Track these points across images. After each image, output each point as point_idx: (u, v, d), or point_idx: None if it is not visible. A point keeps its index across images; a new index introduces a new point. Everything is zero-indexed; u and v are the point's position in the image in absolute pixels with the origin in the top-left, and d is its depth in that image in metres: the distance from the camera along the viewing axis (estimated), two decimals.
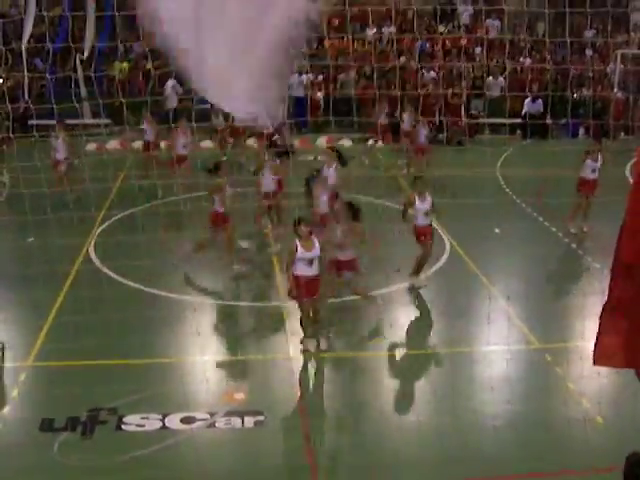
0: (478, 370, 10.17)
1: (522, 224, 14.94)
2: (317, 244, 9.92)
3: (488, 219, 14.92)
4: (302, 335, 10.32)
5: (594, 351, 6.24)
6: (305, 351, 10.22)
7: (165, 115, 21.60)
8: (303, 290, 9.94)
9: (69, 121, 20.13)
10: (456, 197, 16.46)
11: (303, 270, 9.90)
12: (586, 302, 12.11)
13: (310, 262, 9.88)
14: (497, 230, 14.67)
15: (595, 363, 6.34)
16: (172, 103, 22.93)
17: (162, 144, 19.01)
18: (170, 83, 23.00)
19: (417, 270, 12.35)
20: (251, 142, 20.36)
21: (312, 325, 10.28)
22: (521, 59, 25.49)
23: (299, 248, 9.85)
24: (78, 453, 8.14)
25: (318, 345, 10.30)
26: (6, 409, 9.08)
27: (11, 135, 16.07)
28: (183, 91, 22.81)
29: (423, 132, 18.97)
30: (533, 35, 25.93)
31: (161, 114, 21.13)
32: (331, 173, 13.96)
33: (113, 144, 20.68)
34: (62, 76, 22.84)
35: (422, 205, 12.14)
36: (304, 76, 24.36)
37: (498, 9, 25.43)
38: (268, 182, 14.02)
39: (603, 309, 6.14)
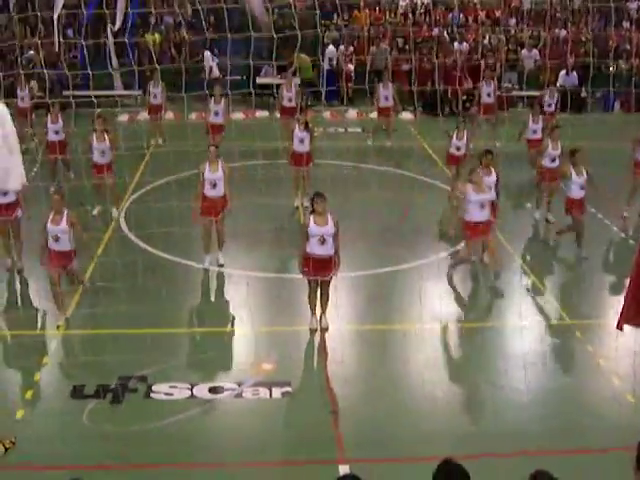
0: (508, 345, 10.11)
1: (554, 198, 14.67)
2: (331, 221, 9.71)
3: (520, 193, 14.75)
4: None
5: (620, 315, 6.30)
6: (311, 329, 10.14)
7: (200, 85, 21.54)
8: (312, 269, 9.77)
9: (101, 92, 20.25)
10: None
11: (315, 248, 9.70)
12: (619, 279, 12.02)
13: (322, 240, 9.69)
14: (529, 204, 14.48)
15: (618, 325, 6.40)
16: (208, 62, 23.03)
17: (193, 115, 19.02)
18: (207, 54, 23.00)
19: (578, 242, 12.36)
20: None
21: (322, 305, 10.13)
22: (556, 30, 25.02)
23: (311, 223, 9.67)
24: (107, 420, 8.24)
25: (322, 323, 10.15)
26: (38, 376, 9.20)
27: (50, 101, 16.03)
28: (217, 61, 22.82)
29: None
30: (570, 6, 25.44)
31: (197, 84, 21.09)
32: None
33: (144, 115, 20.63)
34: (93, 47, 22.86)
35: (578, 178, 12.02)
36: (339, 48, 24.18)
37: None
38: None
39: (631, 276, 6.19)
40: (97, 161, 14.03)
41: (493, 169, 11.90)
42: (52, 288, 10.28)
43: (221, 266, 11.97)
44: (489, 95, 19.14)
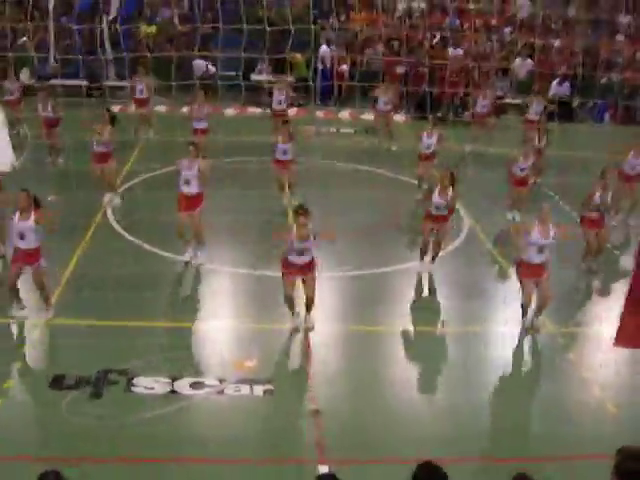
0: (491, 351, 10.11)
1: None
2: (311, 235, 9.69)
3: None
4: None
5: (617, 333, 6.30)
6: (292, 329, 10.09)
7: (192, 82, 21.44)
8: (291, 272, 9.79)
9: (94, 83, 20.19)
10: (479, 174, 16.36)
11: (294, 258, 9.75)
12: (603, 288, 12.09)
13: (301, 252, 9.72)
14: (509, 215, 14.44)
15: (616, 344, 6.41)
16: (199, 70, 22.78)
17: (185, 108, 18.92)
18: (197, 62, 22.77)
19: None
20: None
21: (306, 305, 10.09)
22: (550, 40, 25.09)
23: (294, 237, 9.65)
24: (86, 412, 8.17)
25: (308, 322, 10.15)
26: (18, 365, 9.13)
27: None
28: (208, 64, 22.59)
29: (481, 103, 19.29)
30: (564, 18, 25.50)
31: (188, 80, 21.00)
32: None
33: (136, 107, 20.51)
34: (88, 37, 22.72)
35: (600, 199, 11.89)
36: (331, 47, 24.19)
37: None
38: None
39: (628, 293, 6.19)
40: (97, 150, 14.01)
41: (450, 191, 11.53)
42: (7, 287, 9.98)
43: (200, 265, 11.89)
44: (483, 107, 19.35)
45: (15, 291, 10.01)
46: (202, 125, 16.64)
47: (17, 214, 9.74)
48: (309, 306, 10.10)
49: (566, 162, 17.33)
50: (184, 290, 11.46)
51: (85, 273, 11.04)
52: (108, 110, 14.56)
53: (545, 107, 18.46)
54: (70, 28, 21.97)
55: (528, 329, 10.38)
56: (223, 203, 13.43)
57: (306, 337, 10.02)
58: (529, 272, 10.13)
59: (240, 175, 15.45)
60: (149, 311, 10.42)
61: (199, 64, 22.67)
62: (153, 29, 24.19)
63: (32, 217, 9.68)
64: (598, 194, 11.95)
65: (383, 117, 19.13)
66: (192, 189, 11.74)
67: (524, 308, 10.38)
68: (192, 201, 11.75)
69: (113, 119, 14.31)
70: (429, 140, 15.20)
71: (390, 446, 7.90)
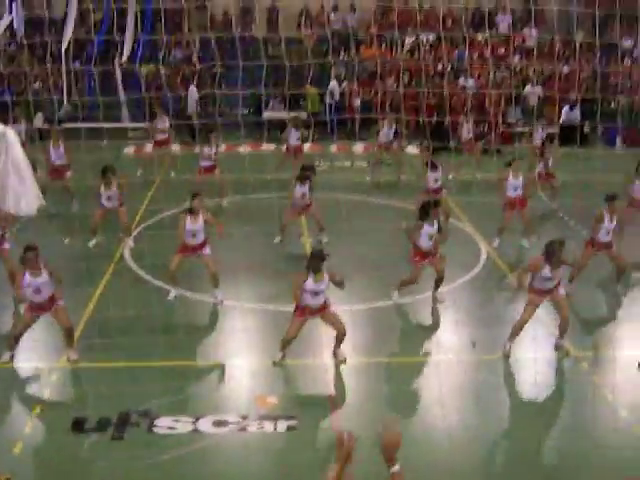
0: (513, 377, 10.03)
1: (557, 231, 14.62)
2: (326, 277, 9.69)
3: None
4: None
5: None
6: (275, 362, 10.00)
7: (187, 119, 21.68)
8: (305, 314, 9.84)
9: (109, 125, 20.39)
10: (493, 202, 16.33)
11: (309, 301, 9.74)
12: (624, 311, 12.00)
13: (316, 294, 9.70)
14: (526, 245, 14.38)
15: None
16: (191, 107, 23.01)
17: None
18: (192, 88, 23.05)
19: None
20: None
21: (336, 338, 10.03)
22: (559, 66, 25.18)
23: (309, 280, 9.63)
24: (108, 455, 8.13)
25: (339, 356, 10.13)
26: (38, 409, 9.09)
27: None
28: (201, 96, 22.74)
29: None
30: (572, 44, 25.60)
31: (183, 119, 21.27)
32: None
33: (150, 147, 20.69)
34: (100, 80, 23.06)
35: (610, 224, 11.98)
36: (343, 83, 24.47)
37: (536, 18, 25.29)
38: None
39: None
40: (104, 204, 13.93)
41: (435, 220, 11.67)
42: (18, 325, 10.04)
43: (220, 302, 11.89)
44: (469, 132, 19.75)
45: (18, 339, 9.98)
46: (209, 163, 16.64)
47: (27, 274, 9.62)
48: (340, 339, 10.02)
49: (580, 186, 17.29)
50: (203, 329, 11.41)
51: (103, 315, 11.03)
52: (105, 171, 13.78)
53: (548, 133, 18.56)
54: (82, 71, 22.31)
55: (558, 352, 10.40)
56: (239, 241, 13.42)
57: (327, 371, 9.96)
58: (539, 297, 10.21)
59: (259, 211, 15.46)
60: (169, 351, 10.37)
61: (192, 91, 22.89)
62: (152, 68, 24.38)
63: (44, 271, 9.64)
64: (607, 218, 11.95)
65: (388, 148, 19.16)
66: (198, 240, 11.68)
67: (512, 331, 10.30)
68: (195, 248, 11.71)
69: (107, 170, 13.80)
70: (434, 174, 15.24)
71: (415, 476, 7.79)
